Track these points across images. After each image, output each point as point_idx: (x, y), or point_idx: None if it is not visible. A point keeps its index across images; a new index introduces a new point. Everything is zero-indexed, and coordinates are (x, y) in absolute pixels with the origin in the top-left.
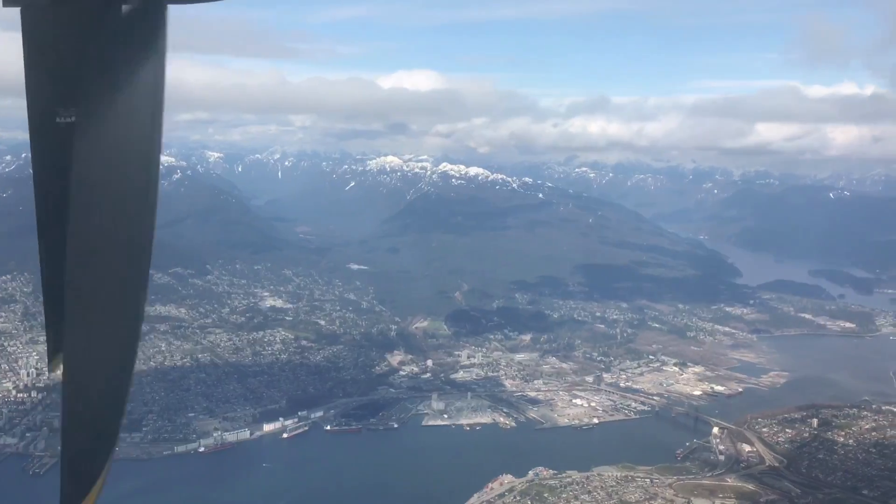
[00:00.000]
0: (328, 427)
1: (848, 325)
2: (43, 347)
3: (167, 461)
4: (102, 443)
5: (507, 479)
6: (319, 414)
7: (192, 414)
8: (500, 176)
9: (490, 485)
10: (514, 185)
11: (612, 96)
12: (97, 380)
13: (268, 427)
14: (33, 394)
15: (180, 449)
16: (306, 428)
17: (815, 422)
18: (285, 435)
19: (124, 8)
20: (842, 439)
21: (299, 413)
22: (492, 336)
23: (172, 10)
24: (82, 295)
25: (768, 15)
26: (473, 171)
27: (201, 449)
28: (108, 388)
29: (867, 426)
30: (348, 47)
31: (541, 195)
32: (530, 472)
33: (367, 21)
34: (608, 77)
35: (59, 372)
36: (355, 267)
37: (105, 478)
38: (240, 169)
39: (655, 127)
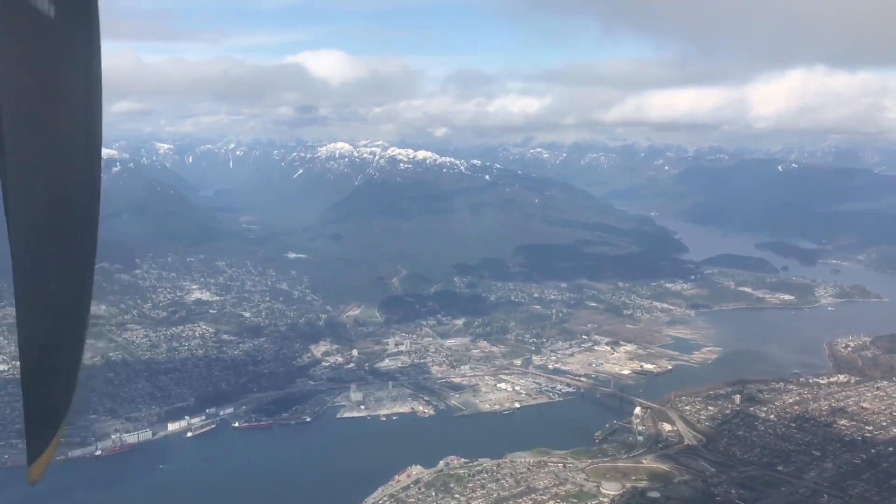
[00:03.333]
0: (236, 424)
1: (787, 297)
2: None
3: (59, 467)
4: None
5: (416, 469)
6: (230, 410)
7: (94, 416)
8: (447, 159)
9: (397, 477)
10: (462, 168)
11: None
12: (50, 359)
13: (172, 426)
14: None
15: (76, 453)
16: (213, 426)
17: (738, 398)
18: (190, 434)
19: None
20: (763, 414)
21: (207, 410)
22: (424, 322)
23: None
24: (29, 291)
25: None
26: (422, 154)
27: (98, 452)
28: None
29: (790, 400)
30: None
31: (487, 177)
32: (441, 461)
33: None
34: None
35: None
36: (293, 256)
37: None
38: (190, 160)
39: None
